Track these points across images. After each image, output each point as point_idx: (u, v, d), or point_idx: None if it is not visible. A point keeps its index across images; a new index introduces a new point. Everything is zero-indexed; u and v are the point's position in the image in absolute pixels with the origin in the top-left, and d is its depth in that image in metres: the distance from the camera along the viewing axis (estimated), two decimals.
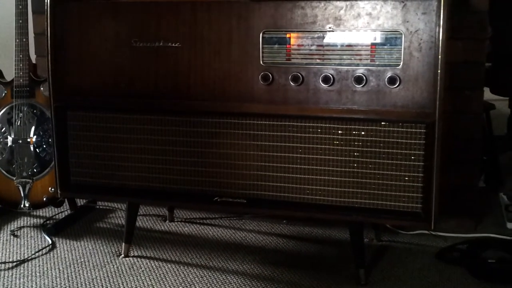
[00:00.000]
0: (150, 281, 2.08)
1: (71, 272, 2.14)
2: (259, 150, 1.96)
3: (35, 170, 2.51)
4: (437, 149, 1.80)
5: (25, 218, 2.64)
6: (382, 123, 1.84)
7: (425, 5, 1.75)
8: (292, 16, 1.87)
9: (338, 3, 1.82)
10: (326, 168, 1.91)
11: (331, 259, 2.24)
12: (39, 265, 2.20)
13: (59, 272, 2.15)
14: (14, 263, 2.22)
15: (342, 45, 1.85)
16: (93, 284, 2.06)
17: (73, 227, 2.55)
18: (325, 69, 1.87)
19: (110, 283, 2.07)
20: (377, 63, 1.83)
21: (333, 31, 1.85)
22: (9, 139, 2.50)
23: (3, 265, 2.21)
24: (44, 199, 2.52)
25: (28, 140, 2.50)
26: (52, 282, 2.08)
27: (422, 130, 1.81)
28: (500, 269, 2.11)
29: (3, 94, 2.52)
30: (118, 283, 2.07)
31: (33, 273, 2.14)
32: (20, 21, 2.45)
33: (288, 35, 1.89)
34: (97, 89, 2.09)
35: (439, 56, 1.75)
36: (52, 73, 2.11)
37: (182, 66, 1.99)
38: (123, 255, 2.26)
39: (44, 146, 2.50)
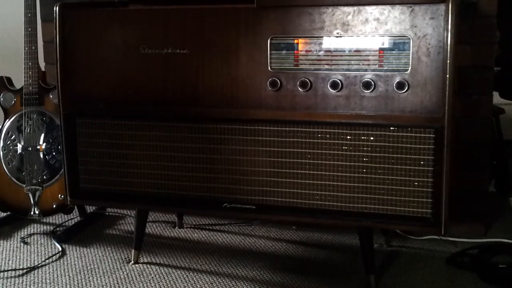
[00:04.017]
0: (160, 287, 2.08)
1: (81, 279, 2.15)
2: (268, 156, 1.96)
3: (44, 178, 2.52)
4: (447, 154, 1.79)
5: (35, 225, 2.65)
6: (391, 128, 1.84)
7: (433, 10, 1.75)
8: (299, 22, 1.87)
9: (345, 8, 1.82)
10: (335, 173, 1.91)
11: (341, 265, 2.24)
12: (49, 272, 2.21)
13: (69, 279, 2.15)
14: (24, 270, 2.23)
15: (350, 51, 1.85)
16: None
17: (82, 234, 2.55)
18: (333, 74, 1.87)
19: None
20: (385, 68, 1.83)
21: (341, 36, 1.85)
22: (19, 146, 2.51)
23: (13, 272, 2.21)
24: (54, 206, 2.53)
25: (38, 147, 2.51)
26: None
27: (431, 135, 1.80)
28: (511, 274, 2.10)
29: (13, 102, 2.53)
30: None
31: (43, 280, 2.15)
32: (29, 29, 2.47)
33: (296, 41, 1.89)
34: (105, 96, 2.10)
35: (448, 61, 1.75)
36: (61, 81, 2.12)
37: (190, 72, 1.99)
38: (132, 261, 2.27)
39: (54, 153, 2.51)
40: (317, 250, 2.37)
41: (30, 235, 2.55)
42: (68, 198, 2.21)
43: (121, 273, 2.19)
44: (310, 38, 1.87)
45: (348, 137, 1.88)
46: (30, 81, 2.48)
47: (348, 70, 1.86)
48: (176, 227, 2.61)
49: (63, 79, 2.12)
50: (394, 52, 1.81)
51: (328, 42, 1.86)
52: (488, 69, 2.36)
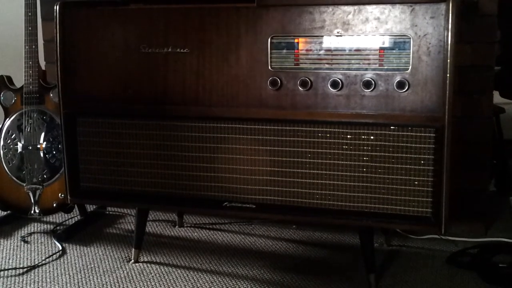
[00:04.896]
0: (160, 286, 2.08)
1: (81, 278, 2.15)
2: (268, 155, 1.96)
3: (45, 176, 2.52)
4: (447, 153, 1.79)
5: (35, 224, 2.65)
6: (391, 127, 1.84)
7: (434, 9, 1.75)
8: (300, 21, 1.87)
9: (346, 7, 1.82)
10: (336, 173, 1.91)
11: (341, 264, 2.24)
12: (49, 271, 2.21)
13: (70, 278, 2.15)
14: (25, 269, 2.23)
15: (350, 50, 1.85)
16: None
17: (83, 233, 2.55)
18: (334, 73, 1.87)
19: None
20: (385, 67, 1.83)
21: (341, 35, 1.85)
22: (19, 145, 2.51)
23: (13, 271, 2.21)
24: (54, 205, 2.53)
25: (38, 146, 2.51)
26: None
27: (432, 134, 1.80)
28: (511, 274, 2.10)
29: (13, 101, 2.53)
30: None
31: (44, 279, 2.15)
32: (30, 28, 2.47)
33: (296, 40, 1.89)
34: (106, 95, 2.09)
35: (448, 60, 1.75)
36: (61, 80, 2.12)
37: (191, 71, 1.99)
38: (133, 260, 2.27)
39: (54, 152, 2.51)
40: (317, 249, 2.37)
41: (30, 234, 2.55)
42: (68, 197, 2.21)
43: (121, 272, 2.19)
44: (310, 37, 1.87)
45: (349, 136, 1.88)
46: (31, 80, 2.48)
47: (349, 69, 1.86)
48: (176, 226, 2.61)
49: (64, 78, 2.12)
50: (394, 51, 1.81)
51: (329, 41, 1.86)
52: (488, 68, 2.36)
